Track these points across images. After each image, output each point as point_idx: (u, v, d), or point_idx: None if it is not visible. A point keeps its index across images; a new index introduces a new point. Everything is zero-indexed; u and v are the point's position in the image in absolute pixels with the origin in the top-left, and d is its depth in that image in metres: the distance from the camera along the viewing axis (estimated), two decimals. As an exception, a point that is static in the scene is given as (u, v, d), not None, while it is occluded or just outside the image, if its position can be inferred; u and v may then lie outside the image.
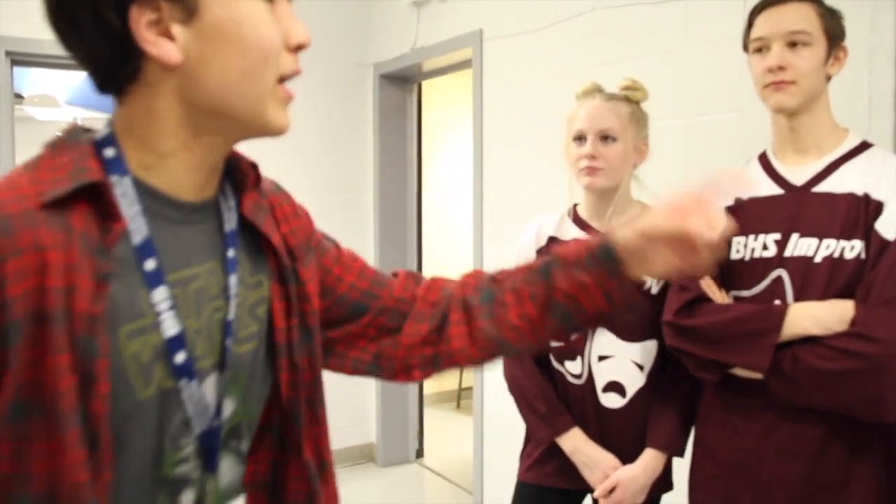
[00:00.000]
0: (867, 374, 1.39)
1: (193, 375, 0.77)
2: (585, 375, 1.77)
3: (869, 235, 1.45)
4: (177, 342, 0.75)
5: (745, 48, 1.63)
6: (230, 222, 0.85)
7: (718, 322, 1.53)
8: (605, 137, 1.75)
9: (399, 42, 4.04)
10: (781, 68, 1.51)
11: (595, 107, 1.77)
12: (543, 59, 3.06)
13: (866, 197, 1.48)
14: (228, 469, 0.85)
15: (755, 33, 1.58)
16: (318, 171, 4.22)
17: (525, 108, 3.16)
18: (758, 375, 1.50)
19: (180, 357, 0.76)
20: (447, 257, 5.36)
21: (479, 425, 3.50)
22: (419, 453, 4.50)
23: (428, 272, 4.14)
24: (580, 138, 1.77)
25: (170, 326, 0.75)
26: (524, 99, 3.17)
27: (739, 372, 1.54)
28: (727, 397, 1.60)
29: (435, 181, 5.33)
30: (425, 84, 4.42)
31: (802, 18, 1.53)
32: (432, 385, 5.38)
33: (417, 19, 3.87)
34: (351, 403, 4.38)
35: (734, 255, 1.59)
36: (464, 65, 3.73)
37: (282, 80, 0.80)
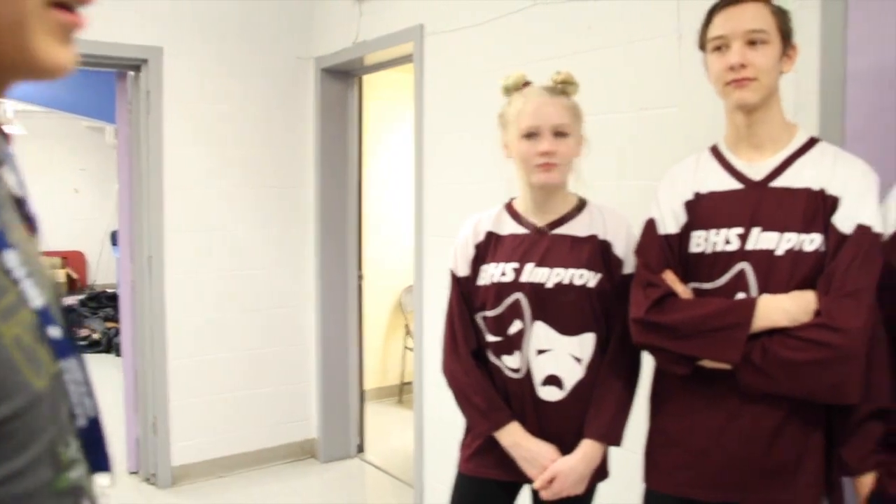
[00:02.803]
0: (833, 362, 1.47)
1: (70, 351, 0.64)
2: (524, 369, 1.79)
3: (827, 229, 1.53)
4: (46, 315, 0.61)
5: (702, 47, 1.68)
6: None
7: (692, 318, 1.58)
8: (558, 133, 1.77)
9: (341, 36, 4.01)
10: (743, 66, 1.56)
11: (544, 102, 1.78)
12: (484, 55, 3.07)
13: (822, 192, 1.55)
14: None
15: (714, 32, 1.63)
16: (257, 166, 4.17)
17: (466, 103, 3.17)
18: (726, 366, 1.55)
19: (55, 332, 0.62)
20: (388, 252, 5.35)
21: (419, 419, 3.50)
22: (360, 448, 4.49)
23: (368, 268, 4.14)
24: (532, 135, 1.77)
25: (34, 296, 0.60)
26: (465, 94, 3.18)
27: (707, 363, 1.58)
28: (692, 387, 1.64)
29: (376, 176, 5.31)
30: (368, 78, 4.40)
31: (760, 17, 1.59)
32: (374, 380, 5.37)
33: (360, 13, 3.85)
34: (291, 399, 4.36)
35: (694, 249, 1.64)
36: (405, 59, 3.72)
37: (56, 2, 0.60)
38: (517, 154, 1.81)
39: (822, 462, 1.58)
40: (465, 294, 1.87)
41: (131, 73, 3.93)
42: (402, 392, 5.56)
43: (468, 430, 1.92)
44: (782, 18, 1.61)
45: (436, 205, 3.39)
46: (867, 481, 1.55)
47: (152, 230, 3.88)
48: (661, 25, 2.35)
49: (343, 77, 4.30)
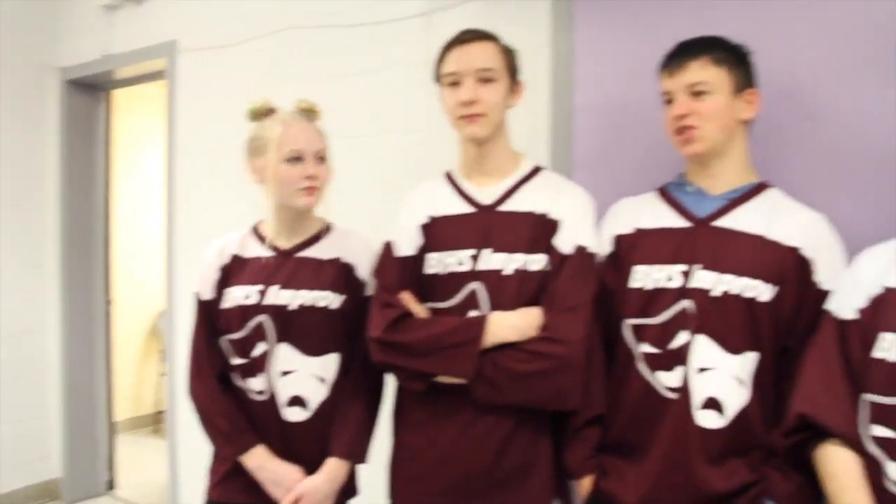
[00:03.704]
0: (557, 371, 1.60)
1: None
2: (268, 392, 1.79)
3: (550, 250, 1.67)
4: None
5: (438, 80, 1.77)
6: None
7: (427, 337, 1.65)
8: (320, 158, 1.81)
9: (89, 47, 3.79)
10: (473, 102, 1.67)
11: (305, 128, 1.82)
12: (238, 75, 3.05)
13: (544, 216, 1.70)
14: None
15: (447, 69, 1.73)
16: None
17: (218, 123, 3.12)
18: (461, 381, 1.64)
19: None
20: (145, 275, 5.10)
21: (173, 448, 3.37)
22: (111, 485, 4.22)
23: (123, 291, 3.92)
24: (296, 158, 1.79)
25: None
26: (217, 114, 3.13)
27: (443, 379, 1.66)
28: (430, 402, 1.71)
29: (131, 195, 5.06)
30: (120, 93, 4.18)
31: (489, 56, 1.70)
32: (127, 409, 5.08)
33: (110, 24, 3.66)
34: (29, 437, 4.00)
35: (430, 271, 1.73)
36: (158, 75, 3.59)
37: None
38: (277, 178, 1.79)
39: (550, 467, 1.71)
40: (210, 317, 1.85)
41: None
42: (157, 421, 5.30)
43: (216, 456, 1.89)
44: (509, 57, 1.75)
45: (187, 227, 3.30)
46: (587, 483, 1.70)
47: None
48: (410, 53, 2.47)
49: (91, 90, 4.05)
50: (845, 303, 1.46)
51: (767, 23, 1.87)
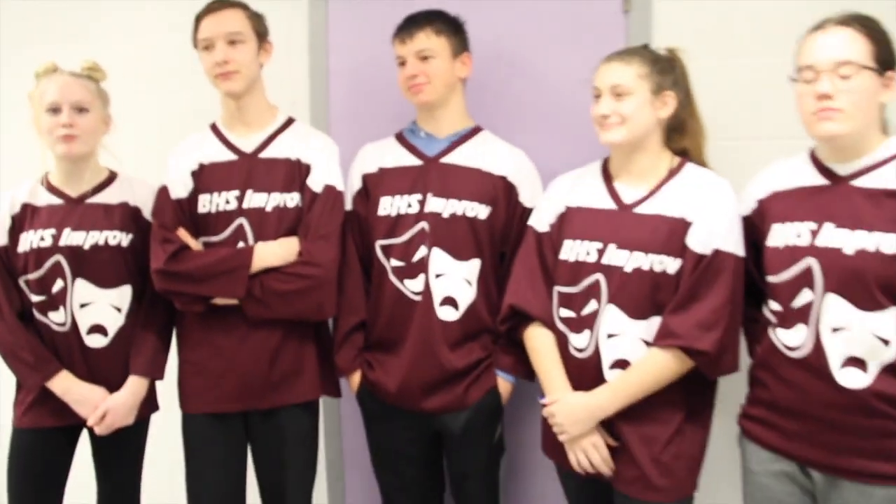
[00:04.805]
0: (313, 288, 1.96)
1: None
2: (69, 323, 1.99)
3: (303, 189, 2.01)
4: None
5: (195, 46, 2.03)
6: None
7: (203, 265, 1.94)
8: (79, 109, 1.98)
9: None
10: (226, 62, 1.95)
11: (65, 81, 1.99)
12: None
13: (298, 161, 2.03)
14: None
15: (201, 35, 2.01)
16: None
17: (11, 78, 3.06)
18: (234, 301, 1.94)
19: None
20: None
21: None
22: None
23: None
24: (54, 110, 1.97)
25: None
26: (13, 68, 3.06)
27: (219, 301, 1.96)
28: (208, 322, 2.00)
29: None
30: None
31: (237, 21, 1.99)
32: None
33: None
34: None
35: (202, 210, 2.01)
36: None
37: None
38: (41, 128, 2.00)
39: (317, 368, 2.07)
40: (5, 261, 2.00)
41: None
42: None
43: (20, 388, 2.04)
44: (257, 21, 2.04)
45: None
46: (356, 377, 2.08)
47: None
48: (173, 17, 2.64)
49: None
50: (540, 218, 1.92)
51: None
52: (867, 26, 1.53)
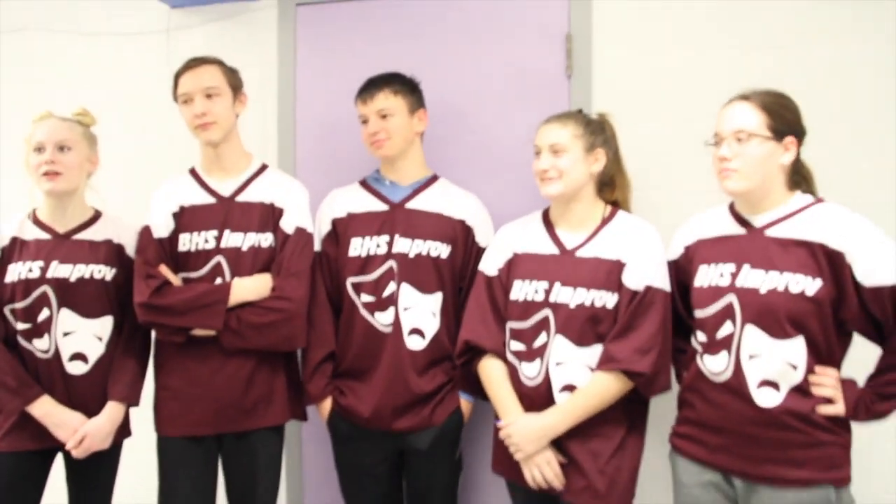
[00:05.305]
0: (284, 322, 2.14)
1: None
2: (52, 350, 2.10)
3: (276, 230, 2.18)
4: None
5: (175, 99, 2.21)
6: None
7: (184, 299, 2.10)
8: (61, 147, 2.12)
9: None
10: (204, 114, 2.14)
11: (53, 124, 2.15)
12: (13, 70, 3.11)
13: (272, 205, 2.21)
14: None
15: (181, 90, 2.19)
16: None
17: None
18: (212, 333, 2.10)
19: None
20: None
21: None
22: None
23: None
24: (39, 149, 2.11)
25: None
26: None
27: (198, 332, 2.11)
28: (186, 351, 2.14)
29: None
30: None
31: (213, 76, 2.18)
32: None
33: None
34: None
35: (182, 249, 2.17)
36: None
37: None
38: (28, 166, 2.14)
39: (286, 395, 2.22)
40: None
41: None
42: None
43: (0, 412, 2.11)
44: (231, 75, 2.23)
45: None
46: (327, 404, 2.24)
47: None
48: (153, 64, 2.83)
49: None
50: (490, 264, 2.12)
51: (434, 59, 2.55)
52: (765, 100, 1.77)
